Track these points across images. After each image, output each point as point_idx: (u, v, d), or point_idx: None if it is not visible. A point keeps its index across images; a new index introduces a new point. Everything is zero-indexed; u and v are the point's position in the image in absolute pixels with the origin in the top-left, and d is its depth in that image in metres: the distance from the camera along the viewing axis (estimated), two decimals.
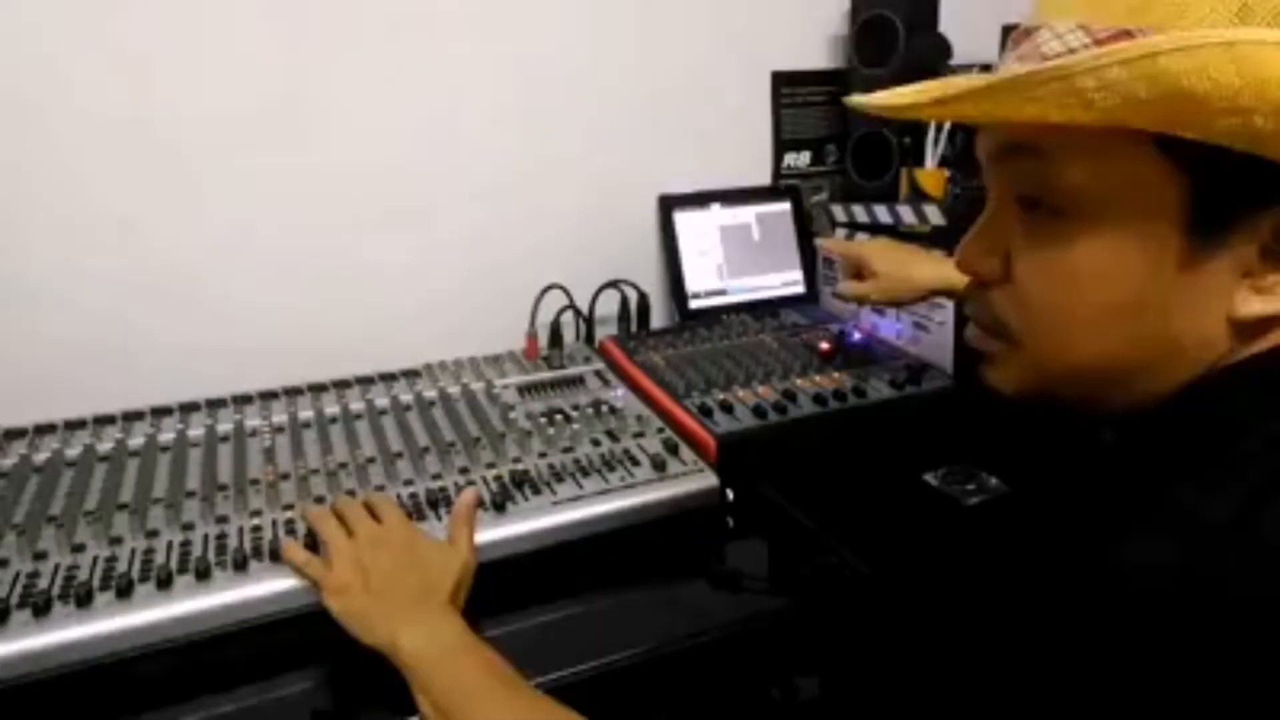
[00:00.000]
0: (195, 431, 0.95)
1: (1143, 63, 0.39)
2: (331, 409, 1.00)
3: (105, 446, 0.92)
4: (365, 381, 1.07)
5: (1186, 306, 0.45)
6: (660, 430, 0.96)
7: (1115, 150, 0.44)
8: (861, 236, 1.24)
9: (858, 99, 0.53)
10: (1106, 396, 0.50)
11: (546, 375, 1.10)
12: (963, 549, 0.80)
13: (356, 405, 1.01)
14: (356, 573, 0.70)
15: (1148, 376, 0.47)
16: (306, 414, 0.99)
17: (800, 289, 1.37)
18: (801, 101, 1.39)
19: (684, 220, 1.32)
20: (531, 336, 1.16)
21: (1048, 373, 0.51)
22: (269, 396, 1.03)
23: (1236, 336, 0.45)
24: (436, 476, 0.86)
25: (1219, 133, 0.40)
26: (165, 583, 0.70)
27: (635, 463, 0.89)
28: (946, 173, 1.16)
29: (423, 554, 0.73)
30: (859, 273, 1.03)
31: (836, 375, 1.08)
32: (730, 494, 0.89)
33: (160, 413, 0.99)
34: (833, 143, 1.42)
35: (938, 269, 0.97)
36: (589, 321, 1.25)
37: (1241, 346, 0.45)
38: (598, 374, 1.11)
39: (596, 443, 0.93)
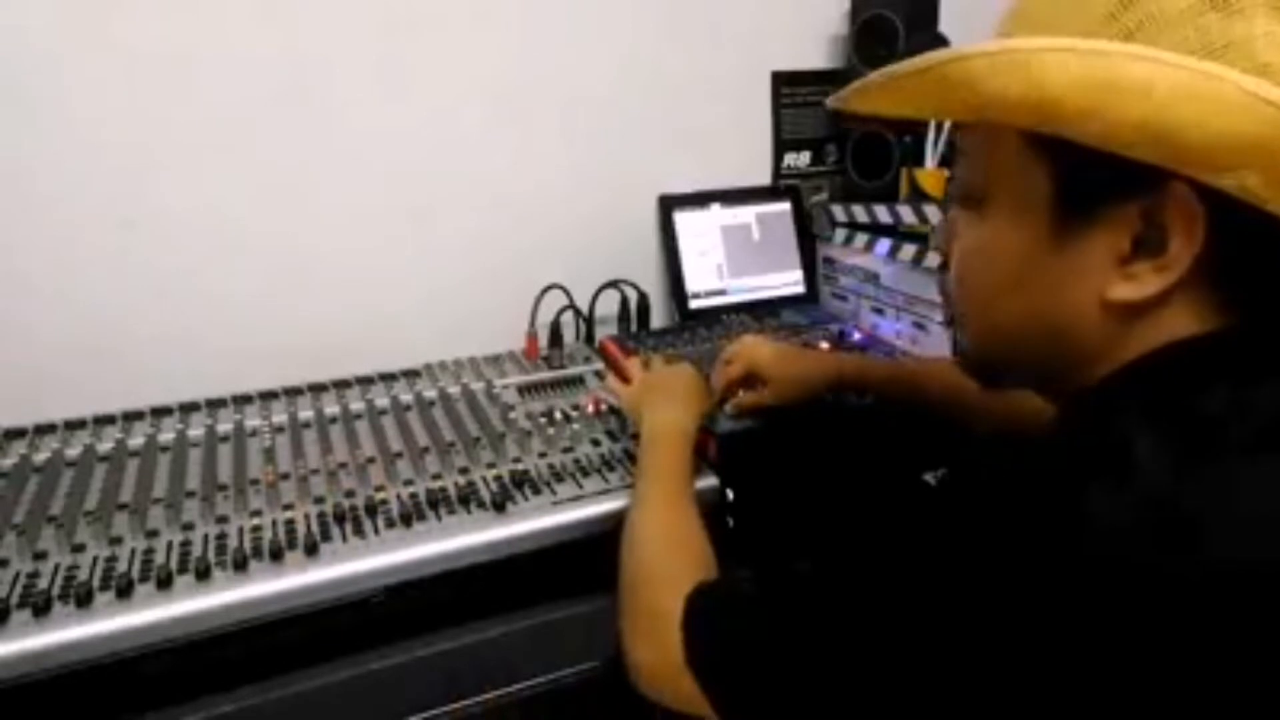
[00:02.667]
0: (195, 431, 0.95)
1: (947, 66, 0.46)
2: (331, 409, 1.00)
3: (105, 446, 0.92)
4: (365, 381, 1.07)
5: (1060, 287, 0.49)
6: None
7: (998, 146, 0.50)
8: (862, 237, 1.24)
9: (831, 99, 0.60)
10: (1024, 369, 0.55)
11: (546, 375, 1.10)
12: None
13: (356, 405, 1.01)
14: (642, 384, 0.94)
15: (1047, 353, 0.52)
16: (306, 414, 0.99)
17: (800, 289, 1.37)
18: (801, 101, 1.39)
19: (684, 220, 1.32)
20: (531, 336, 1.16)
21: (975, 339, 0.58)
22: (269, 396, 1.03)
23: (1114, 320, 0.48)
24: (436, 476, 0.86)
25: (1051, 128, 0.45)
26: (165, 583, 0.70)
27: (636, 463, 0.89)
28: (946, 172, 1.15)
29: (692, 383, 0.91)
30: (747, 380, 0.98)
31: None
32: (730, 494, 0.89)
33: (160, 413, 0.99)
34: (833, 143, 1.42)
35: (825, 366, 0.98)
36: (589, 321, 1.25)
37: (1123, 331, 0.48)
38: (598, 374, 1.11)
39: (596, 443, 0.93)
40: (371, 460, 0.89)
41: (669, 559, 0.70)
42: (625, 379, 0.99)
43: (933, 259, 1.10)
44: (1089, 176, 0.47)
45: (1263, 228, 0.43)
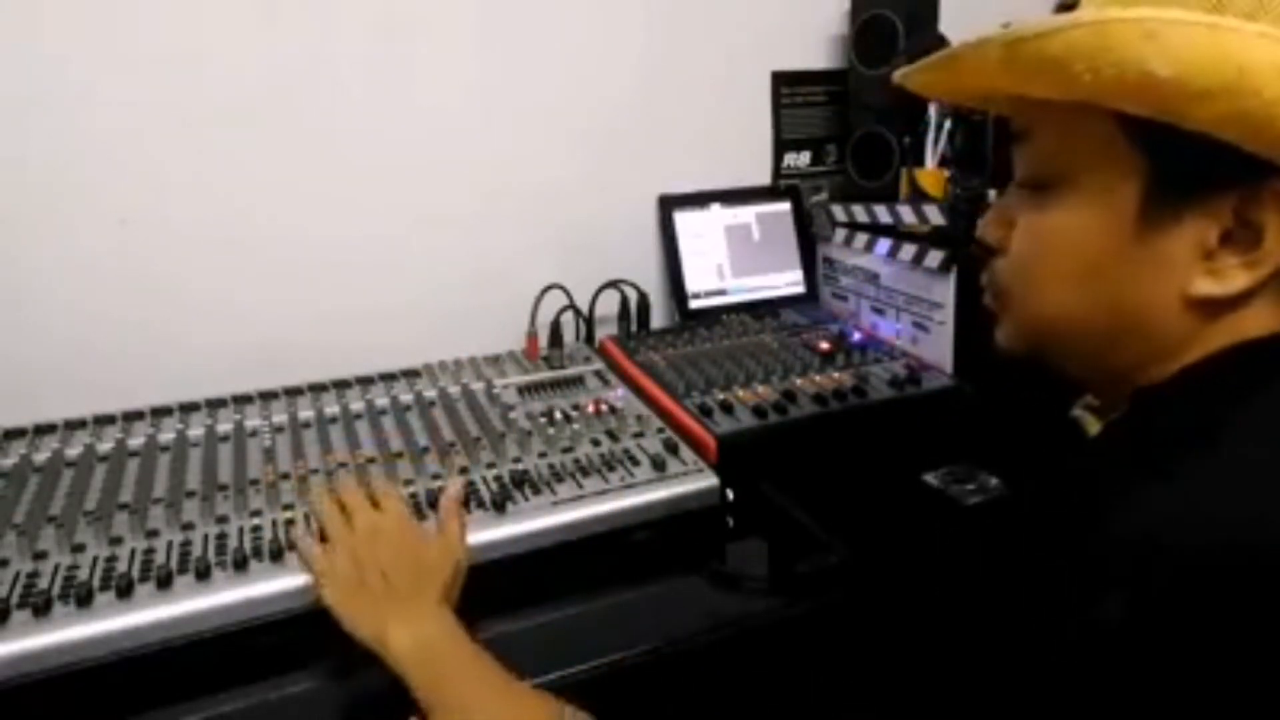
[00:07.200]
0: (195, 431, 0.95)
1: (1053, 37, 0.43)
2: (331, 409, 0.99)
3: (105, 446, 0.92)
4: (365, 381, 1.07)
5: (1140, 279, 0.47)
6: (660, 430, 0.96)
7: (1082, 128, 0.47)
8: (862, 237, 1.24)
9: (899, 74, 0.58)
10: (1083, 361, 0.53)
11: (546, 375, 1.10)
12: (963, 549, 0.80)
13: (356, 405, 1.01)
14: (352, 566, 0.71)
15: (1113, 346, 0.50)
16: (306, 414, 0.99)
17: (800, 289, 1.37)
18: (801, 101, 1.39)
19: (684, 220, 1.32)
20: (531, 336, 1.16)
21: (1028, 328, 0.55)
22: (269, 396, 1.03)
23: (1192, 316, 0.46)
24: (436, 476, 0.86)
25: (1156, 110, 0.42)
26: (165, 583, 0.70)
27: (635, 463, 0.89)
28: (946, 173, 1.15)
29: (418, 549, 0.74)
30: None
31: (836, 375, 1.08)
32: (730, 494, 0.89)
33: (160, 413, 0.99)
34: (833, 143, 1.42)
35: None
36: (589, 321, 1.25)
37: (1199, 328, 0.46)
38: (598, 374, 1.11)
39: (596, 443, 0.93)
40: (371, 460, 0.89)
41: None
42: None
43: (933, 258, 1.10)
44: (1186, 166, 0.44)
45: None
